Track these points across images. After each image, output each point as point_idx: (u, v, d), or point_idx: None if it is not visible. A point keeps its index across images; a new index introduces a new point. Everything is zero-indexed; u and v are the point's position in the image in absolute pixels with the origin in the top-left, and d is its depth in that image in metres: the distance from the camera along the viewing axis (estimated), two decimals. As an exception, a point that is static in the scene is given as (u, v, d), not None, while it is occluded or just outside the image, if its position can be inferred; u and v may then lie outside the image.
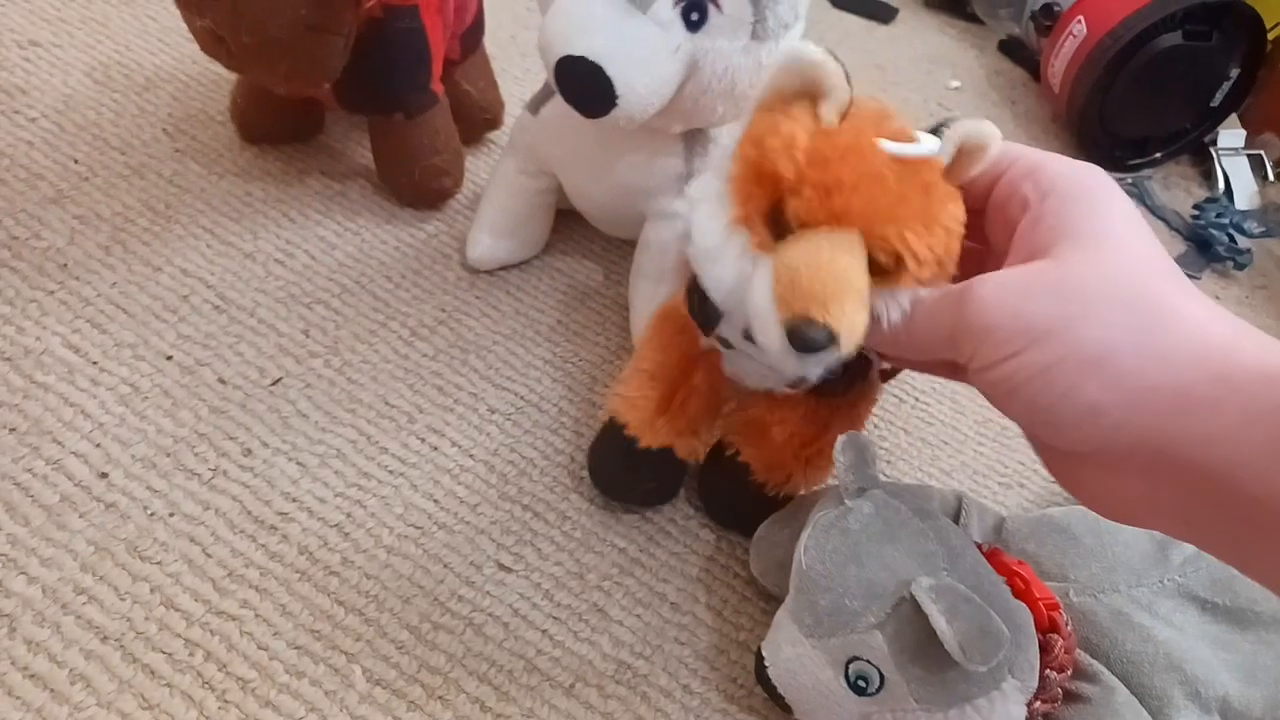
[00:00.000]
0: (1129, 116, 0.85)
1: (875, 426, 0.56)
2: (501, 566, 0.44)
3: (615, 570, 0.45)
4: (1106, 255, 0.30)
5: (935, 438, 0.57)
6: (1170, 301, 0.29)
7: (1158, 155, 0.89)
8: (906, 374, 0.60)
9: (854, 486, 0.38)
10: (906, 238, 0.32)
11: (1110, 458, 0.30)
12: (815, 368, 0.38)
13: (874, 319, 0.34)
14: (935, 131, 0.34)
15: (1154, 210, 0.84)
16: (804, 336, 0.32)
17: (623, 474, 0.47)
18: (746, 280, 0.34)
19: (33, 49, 0.64)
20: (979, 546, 0.40)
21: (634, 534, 0.47)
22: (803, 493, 0.46)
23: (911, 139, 0.33)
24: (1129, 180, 0.87)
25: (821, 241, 0.32)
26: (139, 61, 0.66)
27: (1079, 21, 0.83)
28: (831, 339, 0.32)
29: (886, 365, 0.43)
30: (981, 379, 0.32)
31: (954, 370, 0.34)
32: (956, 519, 0.45)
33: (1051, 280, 0.30)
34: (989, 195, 0.35)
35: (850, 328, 0.32)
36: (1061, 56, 0.85)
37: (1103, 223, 0.31)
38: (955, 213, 0.34)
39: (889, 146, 0.32)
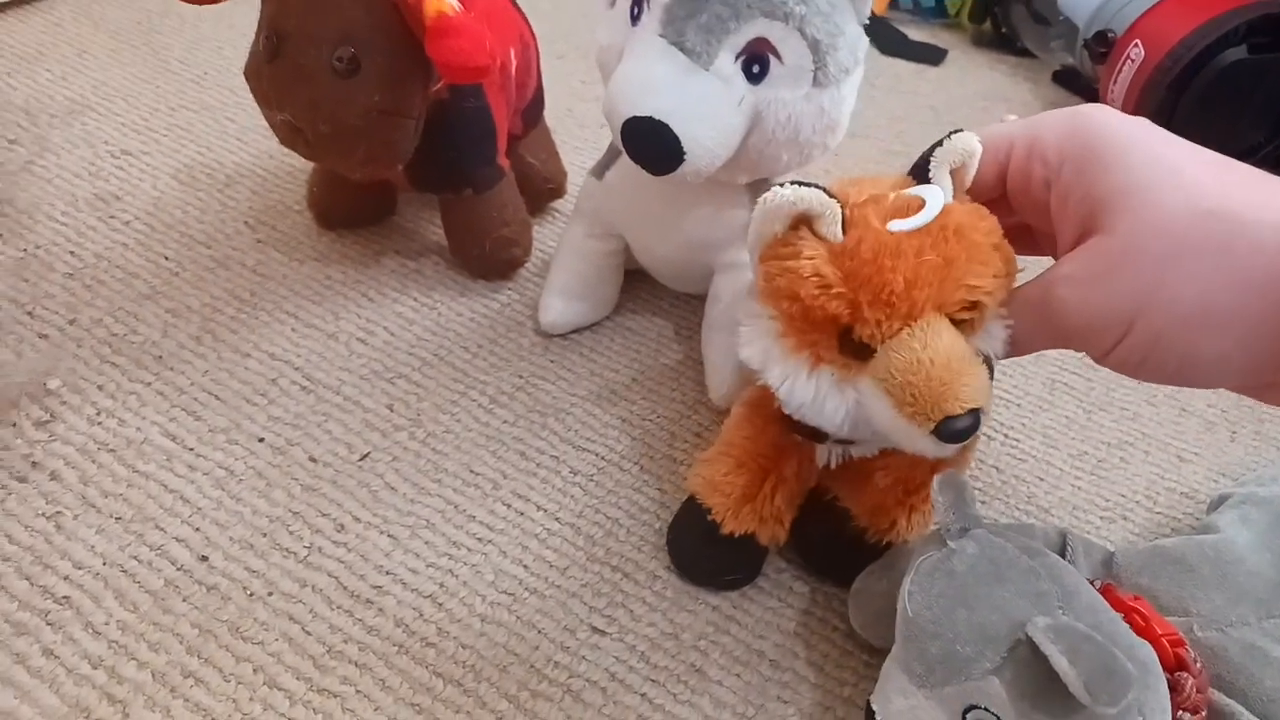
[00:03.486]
0: (1198, 135, 0.80)
1: (965, 467, 0.55)
2: (595, 630, 0.44)
3: (710, 629, 0.44)
4: (1150, 205, 0.29)
5: (1029, 474, 0.55)
6: (1241, 219, 0.27)
7: (1232, 172, 0.86)
8: (995, 411, 0.58)
9: (956, 527, 0.37)
10: (974, 286, 0.33)
11: (1272, 377, 0.29)
12: None
13: (985, 360, 0.34)
14: (923, 168, 0.34)
15: (1234, 228, 0.81)
16: (954, 431, 0.33)
17: (703, 558, 0.46)
18: (857, 407, 0.35)
19: (125, 158, 0.68)
20: (1091, 583, 0.38)
21: (726, 590, 0.46)
22: (905, 540, 0.44)
23: (913, 201, 0.34)
24: (1204, 199, 0.84)
25: (912, 344, 0.33)
26: (220, 161, 0.70)
27: (1136, 45, 0.82)
28: (977, 416, 0.32)
29: None
30: (1105, 365, 0.32)
31: None
32: (1062, 555, 0.43)
33: (1115, 256, 0.29)
34: (1001, 182, 0.34)
35: (983, 393, 0.33)
36: (1120, 82, 0.84)
37: (1127, 173, 0.30)
38: (990, 227, 0.34)
39: (903, 226, 0.33)
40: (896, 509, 0.43)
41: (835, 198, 0.33)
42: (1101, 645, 0.32)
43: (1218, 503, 0.49)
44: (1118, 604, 0.37)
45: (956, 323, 0.33)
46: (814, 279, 0.33)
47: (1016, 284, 0.35)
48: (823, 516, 0.45)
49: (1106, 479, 0.55)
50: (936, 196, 0.33)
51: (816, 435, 0.40)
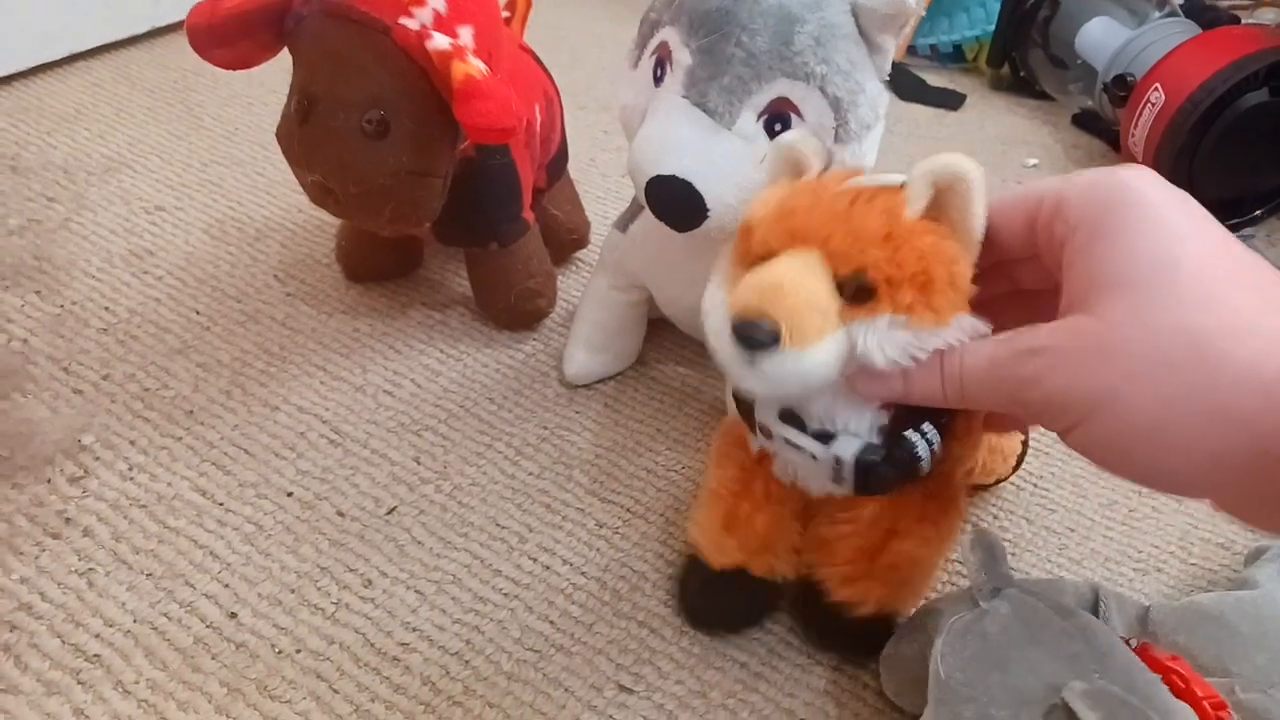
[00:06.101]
0: (1221, 178, 0.82)
1: (995, 517, 0.54)
2: (622, 688, 0.43)
3: (739, 687, 0.44)
4: (1138, 304, 0.28)
5: (1060, 525, 0.54)
6: (1219, 346, 0.26)
7: (1258, 213, 0.86)
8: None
9: (987, 587, 0.36)
10: (864, 249, 0.32)
11: (1243, 500, 0.28)
12: (845, 446, 0.37)
13: (854, 349, 0.33)
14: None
15: (1261, 269, 0.81)
16: (741, 330, 0.32)
17: (700, 601, 0.46)
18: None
19: (158, 213, 0.70)
20: (1126, 642, 0.38)
21: (754, 646, 0.46)
22: (893, 611, 0.43)
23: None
24: (1230, 241, 0.84)
25: (779, 259, 0.34)
26: (250, 215, 0.71)
27: (1156, 89, 0.82)
28: (772, 333, 0.32)
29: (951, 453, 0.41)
30: (1064, 442, 0.31)
31: None
32: (1095, 612, 0.43)
33: (1091, 342, 0.29)
34: (1034, 239, 0.33)
35: (793, 320, 0.32)
36: (1141, 125, 0.84)
37: (1128, 260, 0.29)
38: (934, 243, 0.33)
39: (849, 183, 0.34)
40: (864, 580, 0.42)
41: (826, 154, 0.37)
42: (1139, 710, 0.31)
43: (1255, 555, 0.48)
44: (1155, 664, 0.37)
45: (848, 289, 0.33)
46: (762, 196, 0.36)
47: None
48: (808, 590, 0.44)
49: (1139, 529, 0.54)
50: (895, 178, 0.34)
51: (743, 411, 0.40)
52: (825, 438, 0.37)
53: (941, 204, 0.33)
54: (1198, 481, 0.28)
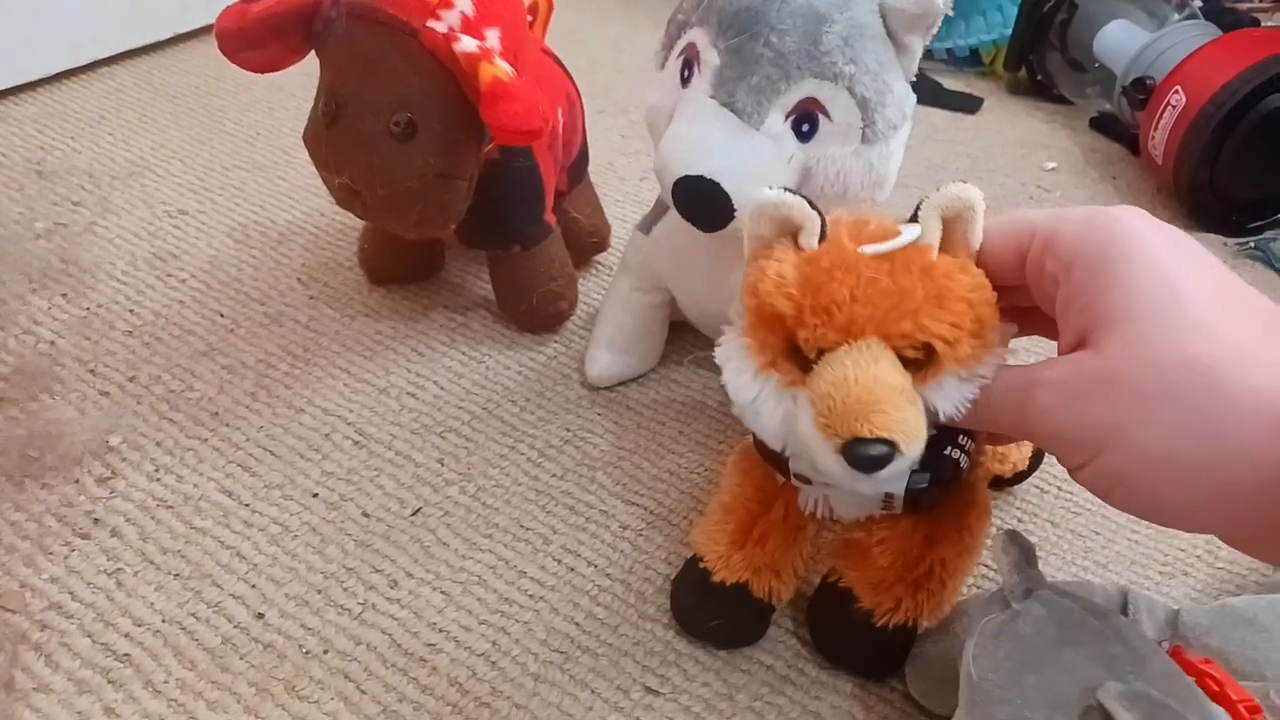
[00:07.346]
0: (1242, 181, 0.82)
1: (1019, 520, 0.54)
2: (649, 690, 0.43)
3: (765, 689, 0.44)
4: (1140, 337, 0.28)
5: (1085, 528, 0.54)
6: (1223, 375, 0.26)
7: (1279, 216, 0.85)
8: (1047, 462, 0.57)
9: (1020, 588, 0.36)
10: (924, 324, 0.32)
11: (1254, 533, 0.28)
12: (896, 482, 0.37)
13: (931, 412, 0.33)
14: (915, 217, 0.34)
15: (1284, 273, 0.80)
16: (861, 457, 0.32)
17: (693, 608, 0.45)
18: (791, 419, 0.35)
19: (181, 217, 0.70)
20: (1159, 644, 0.37)
21: (780, 649, 0.46)
22: (924, 623, 0.42)
23: (892, 232, 0.34)
24: (1252, 244, 0.83)
25: (844, 360, 0.33)
26: (273, 219, 0.71)
27: (1176, 92, 0.82)
28: (890, 448, 0.32)
29: (985, 462, 0.42)
30: (1075, 479, 0.31)
31: None
32: (1124, 614, 0.42)
33: (1097, 378, 0.29)
34: (1023, 268, 0.33)
35: (903, 429, 0.32)
36: (1161, 128, 0.84)
37: (1128, 296, 0.29)
38: (969, 282, 0.33)
39: (871, 249, 0.33)
40: (898, 585, 0.41)
41: (819, 212, 0.34)
42: (1177, 713, 0.31)
43: (1285, 558, 0.48)
44: (1189, 667, 0.36)
45: (905, 361, 0.33)
46: (773, 277, 0.34)
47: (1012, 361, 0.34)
48: (830, 598, 0.44)
49: (1165, 532, 0.54)
50: (912, 231, 0.33)
51: (777, 465, 0.40)
52: None
53: (947, 231, 0.34)
54: (1206, 514, 0.28)
